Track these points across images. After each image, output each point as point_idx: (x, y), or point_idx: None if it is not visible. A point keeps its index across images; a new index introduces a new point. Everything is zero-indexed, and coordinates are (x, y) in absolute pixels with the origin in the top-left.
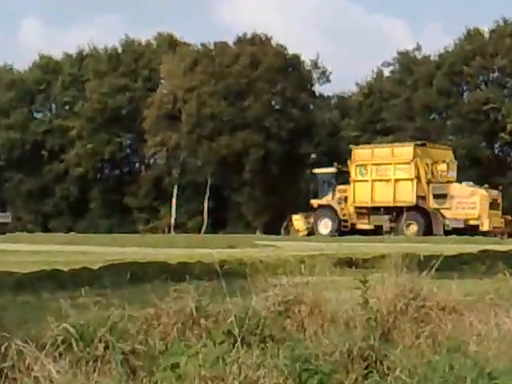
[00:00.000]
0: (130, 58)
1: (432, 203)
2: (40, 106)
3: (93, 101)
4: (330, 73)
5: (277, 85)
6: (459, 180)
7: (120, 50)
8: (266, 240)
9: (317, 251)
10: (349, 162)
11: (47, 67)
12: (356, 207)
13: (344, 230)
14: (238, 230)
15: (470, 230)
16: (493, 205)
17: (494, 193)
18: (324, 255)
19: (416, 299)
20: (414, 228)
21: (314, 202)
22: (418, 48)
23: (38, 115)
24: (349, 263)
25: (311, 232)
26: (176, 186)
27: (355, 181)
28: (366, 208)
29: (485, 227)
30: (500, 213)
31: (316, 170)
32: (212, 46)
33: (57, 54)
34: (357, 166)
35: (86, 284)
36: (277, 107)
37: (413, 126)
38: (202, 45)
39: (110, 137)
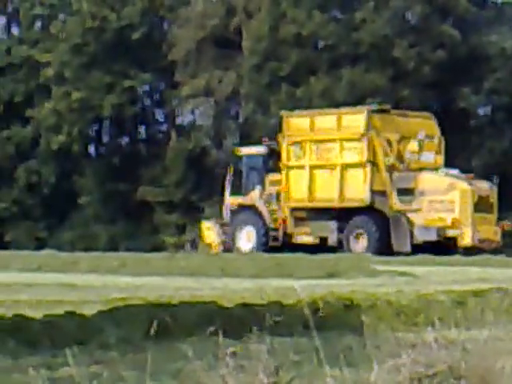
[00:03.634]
0: None
1: (396, 203)
2: None
3: (83, 15)
4: None
5: None
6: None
7: None
8: (394, 263)
9: (489, 283)
10: (279, 138)
11: None
12: (292, 208)
13: (274, 244)
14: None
15: (446, 245)
16: (481, 205)
17: (484, 186)
18: (503, 290)
19: None
20: (364, 241)
21: (233, 201)
22: None
23: None
24: None
25: (229, 247)
26: (232, 167)
27: (288, 167)
28: (305, 210)
29: (465, 240)
30: (494, 218)
31: (241, 150)
32: None
33: None
34: (290, 143)
35: (75, 342)
36: (413, 22)
37: None
38: None
39: (113, 79)
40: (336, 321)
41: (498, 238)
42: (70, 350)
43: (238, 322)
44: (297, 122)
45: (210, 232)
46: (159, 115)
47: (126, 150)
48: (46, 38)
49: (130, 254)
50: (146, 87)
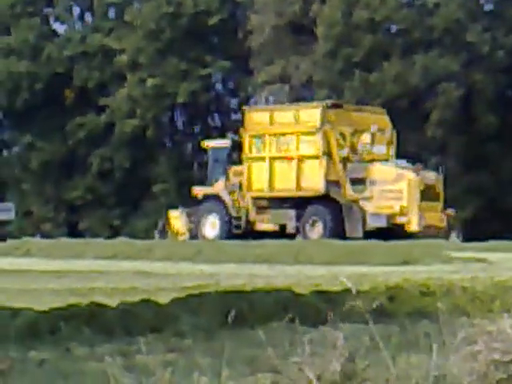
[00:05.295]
0: None
1: (349, 192)
2: (63, 11)
3: (159, 1)
4: None
5: None
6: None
7: None
8: (468, 250)
9: None
10: (242, 131)
11: None
12: (253, 198)
13: (236, 232)
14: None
15: (395, 231)
16: (427, 194)
17: (430, 176)
18: None
19: None
20: (319, 228)
21: (198, 191)
22: None
23: (60, 28)
24: None
25: (195, 235)
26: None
27: (250, 159)
28: (265, 199)
29: (412, 226)
30: (440, 205)
31: (207, 143)
32: None
33: None
34: (251, 136)
35: (150, 330)
36: (487, 6)
37: None
38: None
39: (188, 66)
40: (411, 307)
41: (444, 224)
42: (144, 338)
43: (314, 309)
44: (257, 117)
45: (177, 221)
46: (233, 102)
47: (200, 137)
48: (120, 26)
49: (205, 242)
50: (220, 74)
